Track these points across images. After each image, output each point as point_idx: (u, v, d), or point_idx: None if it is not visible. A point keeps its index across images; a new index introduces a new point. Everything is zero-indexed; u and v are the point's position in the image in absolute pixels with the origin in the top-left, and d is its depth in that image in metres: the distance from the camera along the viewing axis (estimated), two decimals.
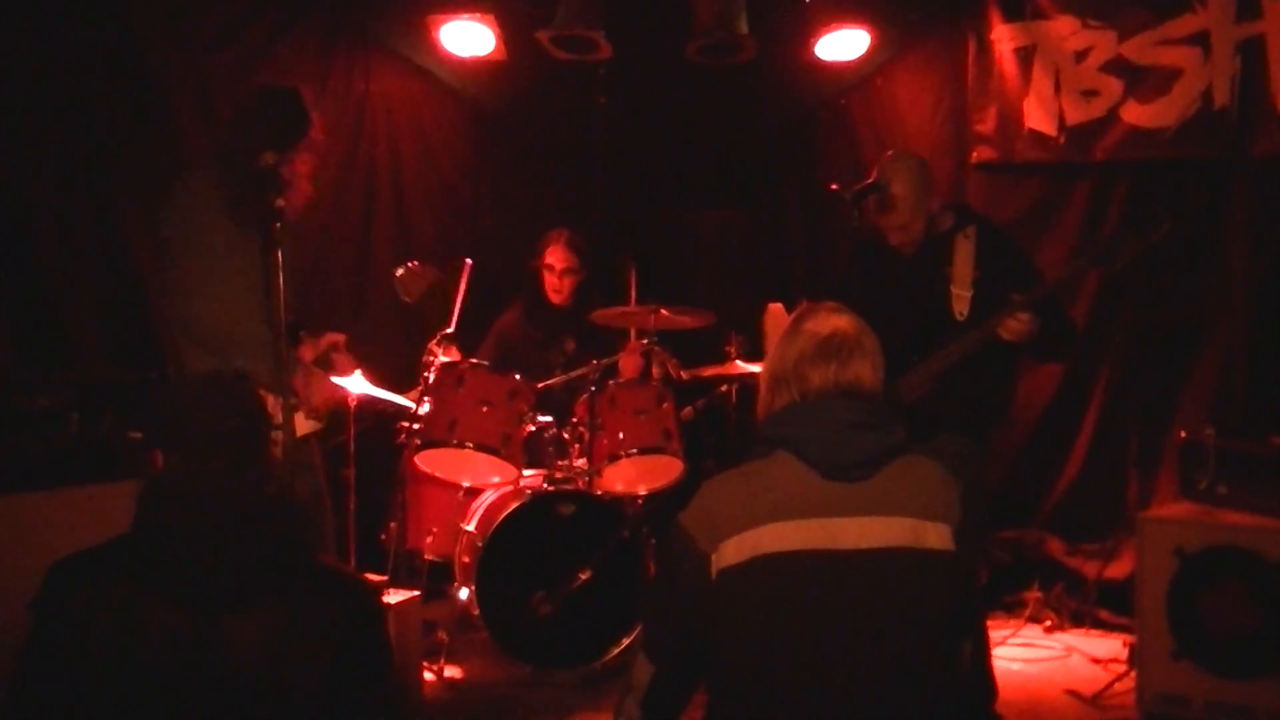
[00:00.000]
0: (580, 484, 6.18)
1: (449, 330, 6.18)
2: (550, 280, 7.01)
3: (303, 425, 4.70)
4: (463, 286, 6.40)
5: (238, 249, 4.55)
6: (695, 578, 2.98)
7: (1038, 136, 7.03)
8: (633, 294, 6.87)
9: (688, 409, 6.27)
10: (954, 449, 4.94)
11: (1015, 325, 4.81)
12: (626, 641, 5.95)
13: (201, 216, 4.54)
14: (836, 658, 2.91)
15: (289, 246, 4.68)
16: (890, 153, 5.47)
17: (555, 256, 6.99)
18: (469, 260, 6.39)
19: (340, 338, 5.02)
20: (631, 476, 6.28)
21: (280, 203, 4.18)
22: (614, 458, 6.14)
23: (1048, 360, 5.57)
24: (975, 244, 5.13)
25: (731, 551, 2.94)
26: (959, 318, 5.06)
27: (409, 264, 4.92)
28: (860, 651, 2.92)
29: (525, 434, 6.21)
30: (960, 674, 3.16)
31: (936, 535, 3.00)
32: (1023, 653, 6.38)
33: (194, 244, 4.54)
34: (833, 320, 3.20)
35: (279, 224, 4.16)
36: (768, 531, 2.94)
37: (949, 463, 4.90)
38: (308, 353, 4.81)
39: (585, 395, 6.25)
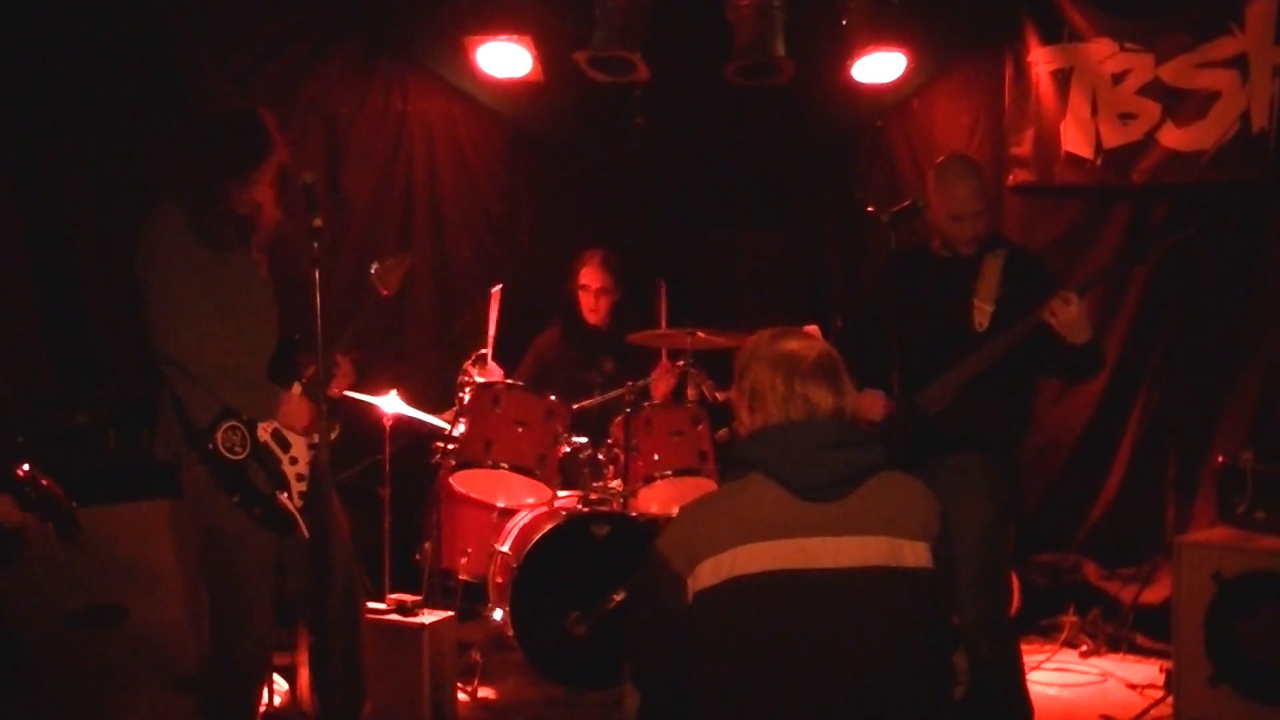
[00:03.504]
0: (615, 505, 6.19)
1: (484, 351, 6.18)
2: (586, 300, 7.02)
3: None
4: (494, 311, 6.42)
5: (213, 277, 4.47)
6: (672, 601, 2.98)
7: (1074, 159, 7.00)
8: (663, 317, 6.83)
9: (723, 430, 6.25)
10: (980, 470, 4.95)
11: (1062, 307, 4.62)
12: None
13: (173, 248, 4.41)
14: (815, 678, 2.92)
15: (254, 270, 4.67)
16: (944, 157, 5.39)
17: (590, 276, 7.01)
18: (499, 284, 6.42)
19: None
20: (666, 498, 6.27)
21: (318, 222, 4.17)
22: (649, 479, 6.13)
23: (1069, 374, 5.45)
24: (1004, 263, 5.07)
25: (707, 574, 2.94)
26: (978, 329, 5.00)
27: (383, 259, 4.87)
28: (840, 671, 2.92)
29: (560, 455, 6.22)
30: (949, 688, 3.18)
31: (913, 553, 3.01)
32: (1058, 678, 6.35)
33: (169, 277, 4.41)
34: (808, 344, 3.20)
35: (316, 243, 4.16)
36: (743, 553, 2.94)
37: (978, 485, 4.92)
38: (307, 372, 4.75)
39: (621, 416, 6.25)
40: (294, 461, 4.60)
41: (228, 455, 4.42)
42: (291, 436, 4.61)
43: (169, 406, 4.49)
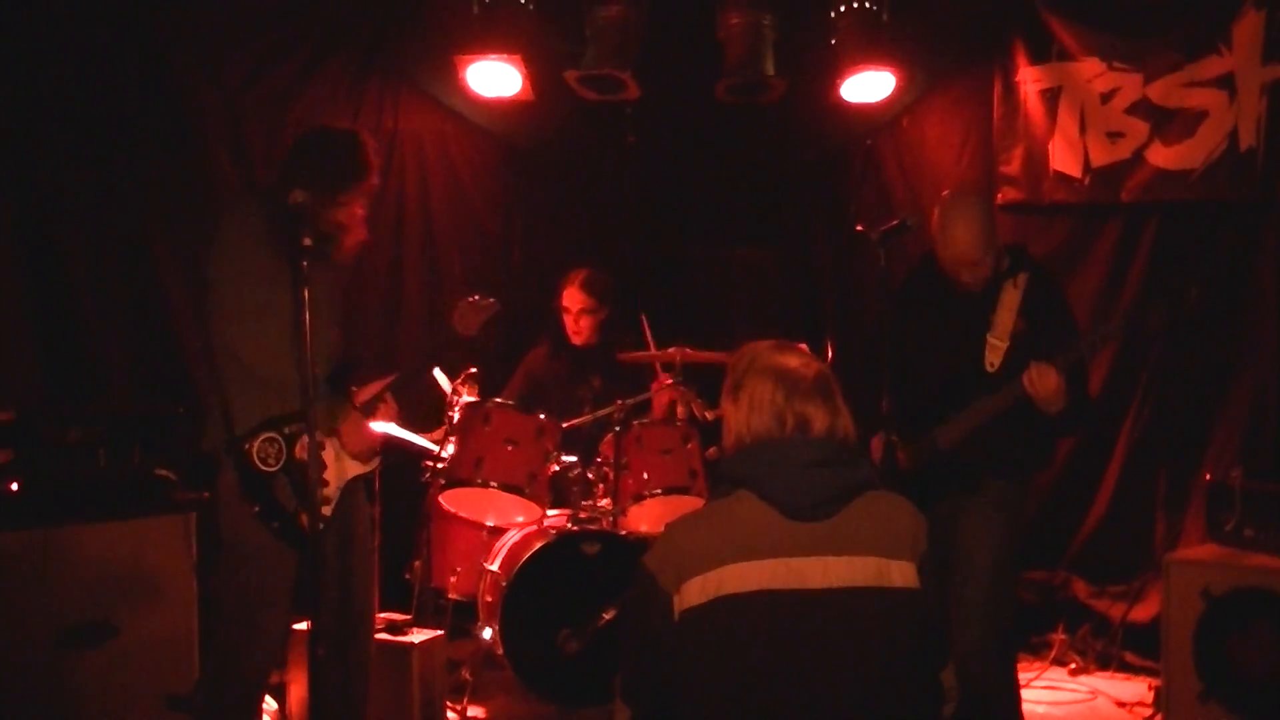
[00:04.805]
0: (605, 524, 6.17)
1: (473, 370, 6.18)
2: (568, 322, 7.04)
3: (352, 467, 4.73)
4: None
5: (283, 287, 4.40)
6: (658, 619, 2.98)
7: (1063, 178, 7.02)
8: (650, 341, 6.86)
9: (713, 449, 6.25)
10: (999, 495, 4.92)
11: (1039, 380, 4.59)
12: None
13: (249, 250, 4.48)
14: (803, 698, 2.92)
15: (329, 288, 4.71)
16: (948, 191, 5.18)
17: (571, 299, 7.01)
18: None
19: (383, 383, 4.94)
20: (656, 516, 6.26)
21: (308, 241, 4.18)
22: (639, 497, 6.12)
23: (1056, 432, 5.36)
24: (1023, 294, 4.95)
25: (694, 592, 2.95)
26: (989, 369, 4.92)
27: (469, 298, 4.91)
28: (827, 691, 2.93)
29: (550, 473, 6.21)
30: (938, 707, 3.19)
31: (900, 573, 3.01)
32: (1047, 695, 6.35)
33: (241, 275, 4.47)
34: (806, 362, 3.21)
35: (307, 262, 4.16)
36: (730, 572, 2.95)
37: (996, 510, 4.87)
38: (362, 395, 4.79)
39: (611, 434, 6.25)
40: (325, 484, 4.60)
41: (260, 465, 4.44)
42: (329, 460, 4.63)
43: (216, 405, 4.55)
